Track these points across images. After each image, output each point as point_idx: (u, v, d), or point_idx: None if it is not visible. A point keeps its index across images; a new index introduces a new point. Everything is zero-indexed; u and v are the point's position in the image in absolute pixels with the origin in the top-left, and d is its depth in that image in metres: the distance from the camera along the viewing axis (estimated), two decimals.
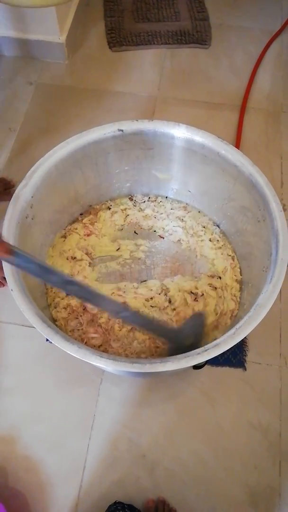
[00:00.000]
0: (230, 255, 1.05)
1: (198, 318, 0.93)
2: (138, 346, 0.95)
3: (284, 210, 1.28)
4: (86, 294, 0.69)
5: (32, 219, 0.86)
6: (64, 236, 1.06)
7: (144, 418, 1.03)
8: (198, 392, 1.06)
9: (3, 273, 1.04)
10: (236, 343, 0.70)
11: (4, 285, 1.15)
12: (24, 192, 0.84)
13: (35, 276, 0.67)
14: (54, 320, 0.97)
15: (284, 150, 1.40)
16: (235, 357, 1.09)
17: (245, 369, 1.08)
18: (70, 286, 0.68)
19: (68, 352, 0.67)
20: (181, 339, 0.84)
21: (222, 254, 1.05)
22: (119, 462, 0.99)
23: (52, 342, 0.68)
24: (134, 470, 0.99)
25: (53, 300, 0.98)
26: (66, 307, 0.97)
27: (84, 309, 0.97)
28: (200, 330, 0.91)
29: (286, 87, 1.53)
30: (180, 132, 0.90)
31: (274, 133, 1.43)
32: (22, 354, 1.09)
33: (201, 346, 0.71)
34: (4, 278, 1.11)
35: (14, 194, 0.83)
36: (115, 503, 0.91)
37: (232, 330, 0.72)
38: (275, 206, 0.81)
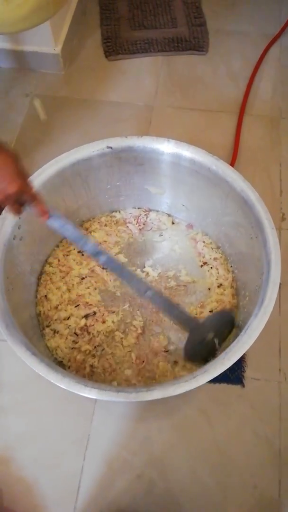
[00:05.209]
0: (224, 265, 1.03)
1: (226, 316, 0.91)
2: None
3: (283, 219, 1.27)
4: (116, 268, 0.75)
5: (20, 239, 0.85)
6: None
7: (140, 436, 1.02)
8: (195, 409, 1.04)
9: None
10: (226, 368, 0.68)
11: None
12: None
13: (70, 240, 0.77)
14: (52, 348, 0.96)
15: (284, 157, 1.37)
16: (233, 374, 1.07)
17: (243, 385, 1.06)
18: (102, 256, 0.75)
19: (52, 381, 0.66)
20: (202, 331, 0.86)
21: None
22: (114, 482, 0.98)
23: (36, 371, 0.67)
24: (130, 490, 0.97)
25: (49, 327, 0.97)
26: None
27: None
28: (223, 329, 0.89)
29: (285, 93, 1.49)
30: (169, 148, 0.88)
31: (273, 140, 1.40)
32: (17, 372, 1.08)
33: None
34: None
35: (0, 215, 0.82)
36: None
37: (222, 355, 0.70)
38: (267, 223, 0.79)
